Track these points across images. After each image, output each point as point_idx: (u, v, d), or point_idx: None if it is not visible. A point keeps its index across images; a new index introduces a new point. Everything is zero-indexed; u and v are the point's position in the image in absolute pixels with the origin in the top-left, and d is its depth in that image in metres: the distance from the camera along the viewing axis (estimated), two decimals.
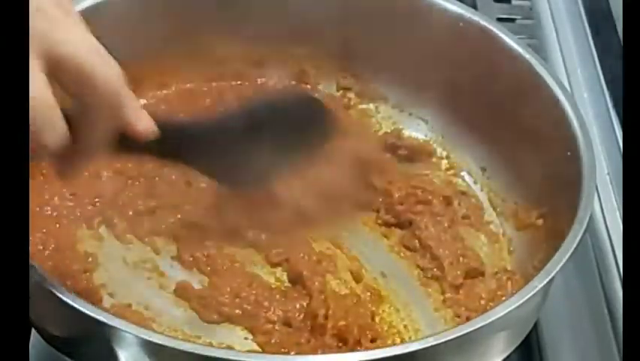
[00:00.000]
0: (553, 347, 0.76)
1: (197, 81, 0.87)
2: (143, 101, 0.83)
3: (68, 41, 0.50)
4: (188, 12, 0.83)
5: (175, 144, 0.61)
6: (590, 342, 0.76)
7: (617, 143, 0.90)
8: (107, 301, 0.70)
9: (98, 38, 0.53)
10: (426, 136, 0.87)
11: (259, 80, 0.88)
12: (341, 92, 0.89)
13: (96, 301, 0.68)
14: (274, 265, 0.74)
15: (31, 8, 0.48)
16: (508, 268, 0.77)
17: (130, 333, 0.56)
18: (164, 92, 0.86)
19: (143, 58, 0.81)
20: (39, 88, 0.48)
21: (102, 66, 0.51)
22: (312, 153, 0.73)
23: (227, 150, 0.66)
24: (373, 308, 0.72)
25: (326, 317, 0.68)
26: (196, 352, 0.55)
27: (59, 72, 0.50)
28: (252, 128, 0.67)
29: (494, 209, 0.82)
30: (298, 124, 0.72)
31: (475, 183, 0.84)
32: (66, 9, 0.52)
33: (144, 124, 0.55)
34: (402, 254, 0.77)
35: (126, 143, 0.56)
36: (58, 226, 0.73)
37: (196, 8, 0.84)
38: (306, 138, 0.72)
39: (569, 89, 0.84)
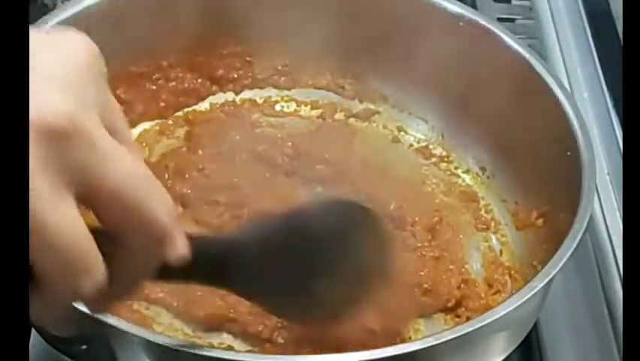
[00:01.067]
0: (553, 347, 0.76)
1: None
2: None
3: (112, 171, 0.41)
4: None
5: (208, 265, 0.53)
6: (590, 342, 0.76)
7: (617, 143, 0.89)
8: None
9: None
10: (426, 136, 0.87)
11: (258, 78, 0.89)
12: (341, 91, 0.89)
13: None
14: None
15: (69, 130, 0.40)
16: (508, 267, 0.77)
17: (130, 333, 0.56)
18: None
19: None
20: (72, 223, 0.40)
21: (150, 199, 0.43)
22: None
23: (263, 268, 0.57)
24: None
25: None
26: (196, 352, 0.55)
27: (98, 205, 0.42)
28: (292, 241, 0.58)
29: (494, 209, 0.82)
30: (344, 235, 0.61)
31: (475, 183, 0.84)
32: (112, 123, 0.43)
33: (181, 250, 0.46)
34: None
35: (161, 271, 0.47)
36: None
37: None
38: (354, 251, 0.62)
39: (569, 89, 0.84)
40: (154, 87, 0.85)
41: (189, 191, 0.77)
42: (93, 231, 0.41)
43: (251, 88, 0.89)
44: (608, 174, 0.87)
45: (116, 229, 0.43)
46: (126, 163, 0.42)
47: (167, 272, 0.47)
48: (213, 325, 0.69)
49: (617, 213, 0.84)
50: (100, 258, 0.42)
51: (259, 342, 0.68)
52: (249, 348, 0.68)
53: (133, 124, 0.83)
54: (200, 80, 0.87)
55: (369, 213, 0.64)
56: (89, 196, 0.41)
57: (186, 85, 0.86)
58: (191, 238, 0.47)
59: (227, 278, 0.55)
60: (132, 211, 0.42)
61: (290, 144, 0.83)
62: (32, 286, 0.41)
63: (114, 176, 0.41)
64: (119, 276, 0.44)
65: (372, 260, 0.64)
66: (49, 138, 0.39)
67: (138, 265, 0.45)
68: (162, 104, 0.85)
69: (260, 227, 0.59)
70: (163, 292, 0.69)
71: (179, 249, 0.46)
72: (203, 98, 0.88)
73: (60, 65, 0.42)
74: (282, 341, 0.67)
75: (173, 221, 0.44)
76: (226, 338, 0.69)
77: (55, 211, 0.40)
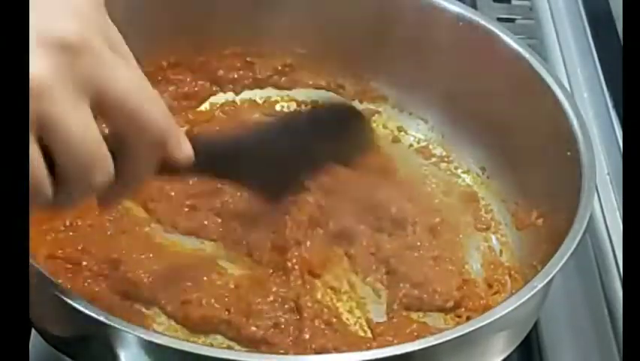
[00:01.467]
0: (553, 347, 0.76)
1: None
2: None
3: (116, 80, 0.48)
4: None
5: (210, 161, 0.60)
6: (590, 342, 0.76)
7: (617, 143, 0.89)
8: None
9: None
10: (426, 136, 0.87)
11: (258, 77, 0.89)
12: (341, 91, 0.89)
13: None
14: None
15: (79, 44, 0.47)
16: (508, 268, 0.77)
17: (130, 333, 0.56)
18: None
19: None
20: (87, 126, 0.47)
21: (149, 105, 0.50)
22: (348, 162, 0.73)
23: (262, 162, 0.66)
24: None
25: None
26: (196, 352, 0.55)
27: (105, 110, 0.49)
28: (288, 138, 0.68)
29: (494, 209, 0.82)
30: (335, 133, 0.72)
31: (475, 183, 0.84)
32: (114, 44, 0.50)
33: (185, 152, 0.54)
34: None
35: (164, 166, 0.55)
36: None
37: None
38: (343, 147, 0.72)
39: (569, 89, 0.85)
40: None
41: (173, 193, 0.76)
42: (104, 136, 0.49)
43: (251, 88, 0.89)
44: (608, 174, 0.87)
45: (122, 131, 0.50)
46: (128, 73, 0.50)
47: (171, 168, 0.54)
48: (208, 327, 0.68)
49: (617, 213, 0.84)
50: (109, 156, 0.49)
51: (254, 344, 0.68)
52: (245, 350, 0.68)
53: None
54: (200, 82, 0.87)
55: (356, 111, 0.78)
56: (99, 103, 0.48)
57: (186, 89, 0.86)
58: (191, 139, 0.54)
59: (226, 173, 0.64)
60: (135, 114, 0.49)
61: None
62: (54, 182, 0.48)
63: (118, 84, 0.48)
64: (126, 173, 0.51)
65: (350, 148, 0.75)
66: (63, 51, 0.46)
67: (142, 162, 0.52)
68: None
69: (258, 130, 0.71)
70: (158, 291, 0.69)
71: (185, 149, 0.54)
72: (204, 100, 0.88)
73: None
74: (277, 341, 0.67)
75: (169, 120, 0.52)
76: (221, 340, 0.69)
77: (73, 115, 0.47)
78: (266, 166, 0.68)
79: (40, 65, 0.45)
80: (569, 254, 0.63)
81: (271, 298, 0.69)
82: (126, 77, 0.49)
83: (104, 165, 0.49)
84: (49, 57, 0.45)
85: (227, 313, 0.68)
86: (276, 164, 0.69)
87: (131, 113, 0.49)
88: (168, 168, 0.54)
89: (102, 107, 0.48)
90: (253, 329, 0.68)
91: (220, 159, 0.63)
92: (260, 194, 0.71)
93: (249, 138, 0.68)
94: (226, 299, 0.69)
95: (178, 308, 0.69)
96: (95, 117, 0.49)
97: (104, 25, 0.51)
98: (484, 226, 0.81)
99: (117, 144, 0.50)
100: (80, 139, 0.47)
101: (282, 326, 0.68)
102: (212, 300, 0.69)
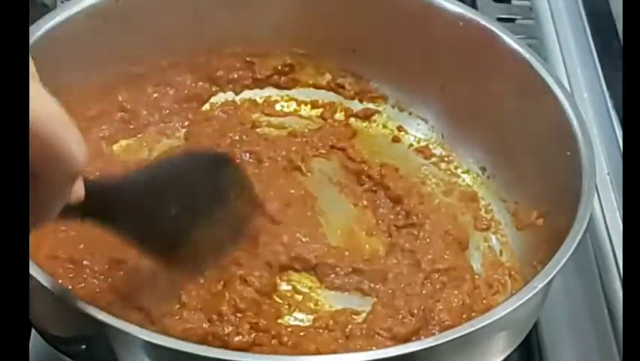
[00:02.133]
0: (553, 347, 0.76)
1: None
2: None
3: (31, 111, 0.44)
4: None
5: (99, 205, 0.56)
6: (590, 342, 0.76)
7: (617, 143, 0.89)
8: None
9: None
10: (426, 136, 0.87)
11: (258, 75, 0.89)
12: (341, 91, 0.89)
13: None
14: None
15: None
16: (508, 268, 0.77)
17: (130, 333, 0.56)
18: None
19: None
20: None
21: (67, 140, 0.46)
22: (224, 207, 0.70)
23: (151, 214, 0.62)
24: None
25: None
26: (196, 352, 0.55)
27: None
28: (160, 190, 0.63)
29: (494, 209, 0.82)
30: (207, 183, 0.68)
31: (475, 183, 0.84)
32: (30, 75, 0.46)
33: (78, 191, 0.51)
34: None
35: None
36: None
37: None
38: (218, 194, 0.69)
39: (569, 89, 0.85)
40: (156, 95, 0.85)
41: None
42: None
43: (251, 88, 0.89)
44: (608, 174, 0.87)
45: (35, 163, 0.46)
46: (44, 103, 0.45)
47: (65, 210, 0.50)
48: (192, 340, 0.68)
49: (617, 213, 0.84)
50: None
51: None
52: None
53: (137, 132, 0.84)
54: (200, 84, 0.87)
55: (231, 162, 0.74)
56: None
57: (186, 92, 0.86)
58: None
59: (114, 220, 0.59)
60: (50, 148, 0.45)
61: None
62: None
63: (33, 114, 0.44)
64: (34, 207, 0.47)
65: (237, 203, 0.71)
66: None
67: (52, 197, 0.49)
68: (165, 111, 0.85)
69: (145, 173, 0.65)
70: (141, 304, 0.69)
71: (77, 188, 0.50)
72: (204, 101, 0.88)
73: None
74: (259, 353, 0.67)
75: (85, 161, 0.47)
76: None
77: None
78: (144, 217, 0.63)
79: None
80: (569, 254, 0.63)
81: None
82: (39, 107, 0.45)
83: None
84: None
85: (209, 325, 0.68)
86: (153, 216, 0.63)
87: (46, 143, 0.45)
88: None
89: None
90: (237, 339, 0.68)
91: (107, 204, 0.58)
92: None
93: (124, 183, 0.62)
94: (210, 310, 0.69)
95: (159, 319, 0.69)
96: None
97: None
98: (484, 226, 0.81)
99: (31, 177, 0.46)
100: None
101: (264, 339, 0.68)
102: (194, 312, 0.69)
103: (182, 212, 0.64)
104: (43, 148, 0.45)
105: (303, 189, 0.80)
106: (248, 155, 0.82)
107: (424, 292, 0.72)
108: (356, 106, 0.89)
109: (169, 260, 0.66)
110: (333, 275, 0.74)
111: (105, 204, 0.57)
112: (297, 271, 0.75)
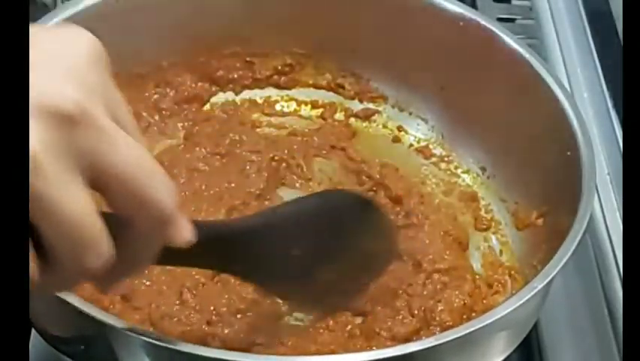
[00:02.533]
0: (553, 347, 0.76)
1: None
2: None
3: (116, 154, 0.43)
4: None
5: (214, 250, 0.55)
6: (590, 342, 0.76)
7: (617, 143, 0.89)
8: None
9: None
10: (426, 136, 0.87)
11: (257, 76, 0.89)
12: (341, 91, 0.89)
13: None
14: None
15: (77, 115, 0.42)
16: (508, 268, 0.77)
17: (130, 333, 0.56)
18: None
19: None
20: (80, 205, 0.42)
21: (152, 182, 0.45)
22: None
23: (269, 255, 0.60)
24: None
25: None
26: (196, 352, 0.55)
27: (104, 187, 0.44)
28: (298, 230, 0.62)
29: (494, 209, 0.82)
30: (347, 225, 0.66)
31: (475, 183, 0.84)
32: (115, 112, 0.45)
33: (185, 234, 0.49)
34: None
35: (165, 253, 0.49)
36: None
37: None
38: (358, 240, 0.67)
39: (568, 89, 0.84)
40: (156, 95, 0.85)
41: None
42: (103, 214, 0.44)
43: (251, 88, 0.89)
44: (608, 174, 0.87)
45: (123, 212, 0.45)
46: (130, 147, 0.45)
47: (174, 255, 0.49)
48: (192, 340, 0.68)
49: (617, 213, 0.84)
50: (106, 236, 0.44)
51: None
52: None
53: None
54: (200, 84, 0.87)
55: (371, 204, 0.71)
56: (98, 180, 0.44)
57: (186, 94, 0.86)
58: (195, 224, 0.49)
59: (230, 263, 0.58)
60: (138, 195, 0.45)
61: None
62: (44, 262, 0.43)
63: (121, 162, 0.44)
64: (126, 256, 0.46)
65: (375, 249, 0.69)
66: (58, 122, 0.41)
67: (143, 246, 0.48)
68: (165, 112, 0.85)
69: (265, 216, 0.63)
70: (138, 308, 0.69)
71: (185, 232, 0.48)
72: (204, 102, 0.88)
73: (65, 56, 0.44)
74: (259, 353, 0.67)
75: (175, 206, 0.46)
76: None
77: (64, 191, 0.42)
78: (274, 260, 0.62)
79: (33, 139, 0.41)
80: (569, 254, 0.63)
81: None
82: (127, 152, 0.44)
83: (100, 246, 0.44)
84: (44, 130, 0.41)
85: (207, 326, 0.68)
86: (285, 258, 0.62)
87: (135, 192, 0.44)
88: (167, 253, 0.49)
89: (100, 184, 0.44)
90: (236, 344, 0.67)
91: (222, 248, 0.57)
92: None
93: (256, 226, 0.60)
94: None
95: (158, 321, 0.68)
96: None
97: (106, 90, 0.46)
98: (484, 226, 0.81)
99: (119, 226, 0.45)
100: (73, 220, 0.42)
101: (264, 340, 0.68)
102: (192, 312, 0.68)
103: (307, 252, 0.62)
104: (129, 198, 0.45)
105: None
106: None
107: (424, 292, 0.72)
108: (356, 106, 0.89)
109: (293, 298, 0.67)
110: None
111: (221, 249, 0.56)
112: None
